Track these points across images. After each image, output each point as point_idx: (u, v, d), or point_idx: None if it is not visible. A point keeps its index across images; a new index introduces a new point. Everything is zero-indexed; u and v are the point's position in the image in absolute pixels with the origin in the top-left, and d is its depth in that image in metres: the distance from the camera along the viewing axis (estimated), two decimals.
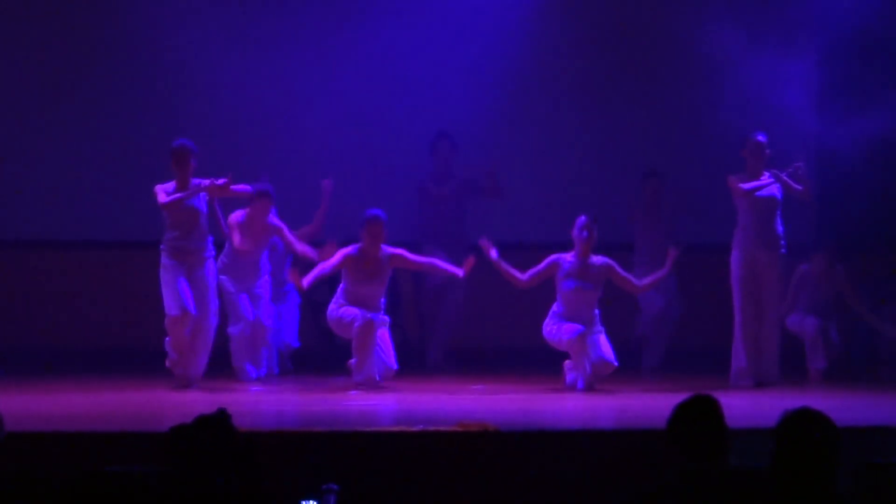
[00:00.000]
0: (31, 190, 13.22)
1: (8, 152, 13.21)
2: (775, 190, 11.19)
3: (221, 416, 5.38)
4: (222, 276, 11.23)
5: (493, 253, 10.89)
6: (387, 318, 11.19)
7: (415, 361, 12.11)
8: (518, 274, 10.94)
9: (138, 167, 12.44)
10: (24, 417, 7.95)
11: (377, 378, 10.84)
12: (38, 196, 13.22)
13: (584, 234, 10.97)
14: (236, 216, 11.30)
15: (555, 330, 10.92)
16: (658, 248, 12.33)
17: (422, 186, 12.75)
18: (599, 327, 10.99)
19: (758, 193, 11.13)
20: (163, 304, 10.66)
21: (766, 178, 11.14)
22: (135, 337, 12.62)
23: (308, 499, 5.77)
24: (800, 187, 11.20)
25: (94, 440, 7.69)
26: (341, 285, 11.10)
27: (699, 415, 5.27)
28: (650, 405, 9.87)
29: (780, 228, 11.24)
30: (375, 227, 10.98)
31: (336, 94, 13.34)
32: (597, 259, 11.02)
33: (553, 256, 11.02)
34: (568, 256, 11.01)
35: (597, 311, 11.03)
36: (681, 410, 5.29)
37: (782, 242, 11.24)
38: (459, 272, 11.04)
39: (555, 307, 11.01)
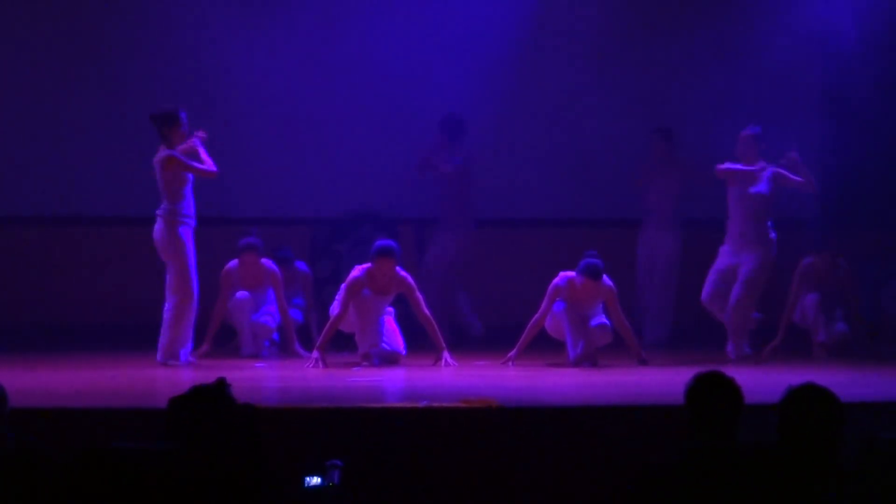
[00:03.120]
0: (32, 166, 13.21)
1: (5, 128, 13.20)
2: (764, 188, 11.13)
3: (218, 386, 5.39)
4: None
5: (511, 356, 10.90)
6: (391, 309, 11.18)
7: (419, 336, 12.10)
8: (533, 329, 10.95)
9: (137, 143, 12.42)
10: (26, 393, 7.96)
11: (382, 347, 10.85)
12: (39, 172, 13.21)
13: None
14: (230, 265, 11.44)
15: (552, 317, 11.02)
16: (670, 211, 12.38)
17: (425, 159, 12.60)
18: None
19: (751, 190, 11.08)
20: (161, 280, 10.67)
21: (760, 166, 11.09)
22: (137, 312, 12.63)
23: (312, 475, 5.78)
24: (799, 179, 11.15)
25: (97, 416, 7.69)
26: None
27: (720, 392, 5.26)
28: (652, 381, 9.88)
29: (767, 225, 11.20)
30: (387, 263, 10.85)
31: (344, 71, 13.33)
32: (601, 284, 10.98)
33: (555, 283, 10.94)
34: (569, 285, 10.94)
35: (599, 307, 11.09)
36: (701, 386, 5.27)
37: (772, 237, 11.21)
38: (443, 350, 10.89)
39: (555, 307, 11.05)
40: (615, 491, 6.87)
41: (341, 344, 11.34)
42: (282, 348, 11.73)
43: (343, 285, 10.96)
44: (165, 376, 10.07)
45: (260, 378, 10.23)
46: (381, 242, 10.97)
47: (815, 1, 13.32)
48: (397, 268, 10.89)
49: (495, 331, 12.47)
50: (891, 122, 12.55)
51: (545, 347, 11.26)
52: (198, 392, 5.31)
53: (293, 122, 13.26)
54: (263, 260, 11.55)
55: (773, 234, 11.24)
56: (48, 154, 13.21)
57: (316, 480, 5.78)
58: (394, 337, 11.05)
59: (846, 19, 12.91)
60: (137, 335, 11.94)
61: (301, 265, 12.26)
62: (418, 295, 10.96)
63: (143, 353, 11.09)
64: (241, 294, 11.45)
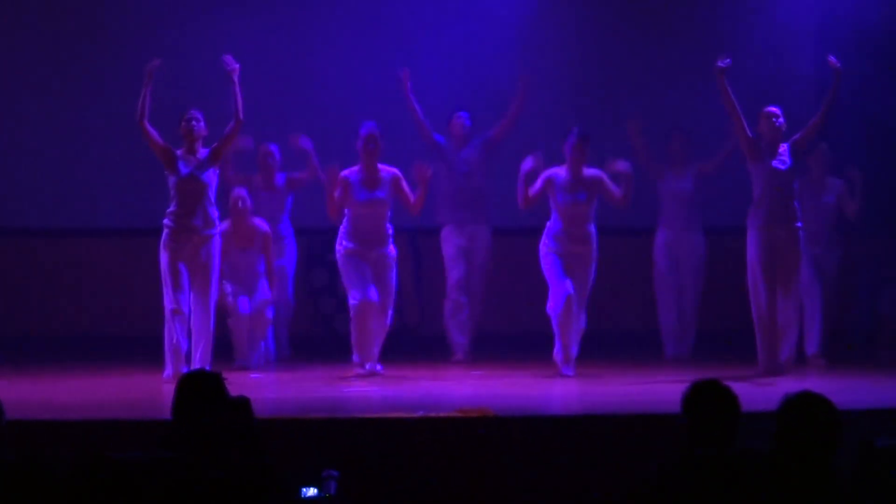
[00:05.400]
0: (29, 177, 13.19)
1: (7, 140, 13.19)
2: (790, 161, 10.82)
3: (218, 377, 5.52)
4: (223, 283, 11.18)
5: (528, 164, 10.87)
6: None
7: (415, 347, 12.10)
8: (522, 194, 10.89)
9: (138, 155, 12.41)
10: (23, 405, 7.95)
11: (377, 368, 10.79)
12: (37, 183, 13.18)
13: (577, 153, 10.87)
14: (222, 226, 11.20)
15: (549, 268, 10.85)
16: (687, 202, 12.12)
17: (439, 147, 12.21)
18: (594, 256, 10.92)
19: (774, 164, 10.74)
20: (161, 290, 10.59)
21: (783, 149, 10.87)
22: (134, 324, 12.63)
23: (308, 485, 5.77)
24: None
25: (94, 428, 7.69)
26: (343, 226, 10.91)
27: (717, 400, 5.26)
28: (648, 391, 9.87)
29: (797, 202, 10.82)
30: (371, 143, 10.80)
31: (341, 80, 13.30)
32: (588, 172, 10.92)
33: (546, 173, 10.90)
34: (560, 171, 10.92)
35: (593, 227, 10.94)
36: (698, 394, 5.27)
37: (798, 215, 10.82)
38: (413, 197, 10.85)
39: (550, 224, 10.92)
40: (612, 500, 6.87)
41: (340, 346, 11.32)
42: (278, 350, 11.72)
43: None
44: (160, 387, 10.05)
45: (256, 388, 10.20)
46: (364, 126, 10.95)
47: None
48: (381, 166, 10.85)
49: (496, 339, 12.42)
50: (889, 125, 12.52)
51: (542, 356, 11.22)
52: (203, 373, 5.41)
53: (288, 132, 13.24)
54: (255, 219, 11.50)
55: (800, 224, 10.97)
56: (50, 166, 13.19)
57: (312, 491, 5.78)
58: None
59: (841, 16, 12.90)
60: (135, 346, 11.95)
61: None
62: (405, 184, 10.89)
63: (141, 365, 11.09)
64: (241, 306, 11.33)
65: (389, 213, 10.92)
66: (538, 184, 10.93)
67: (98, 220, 13.27)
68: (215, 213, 10.58)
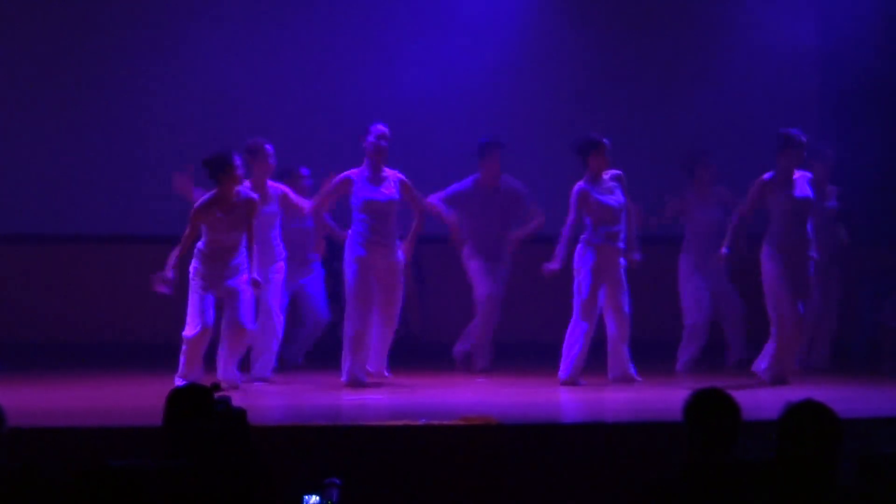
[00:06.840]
0: (32, 183, 13.19)
1: (12, 145, 13.20)
2: (809, 191, 10.75)
3: (211, 388, 5.52)
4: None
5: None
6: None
7: (418, 355, 12.09)
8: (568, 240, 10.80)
9: (142, 161, 12.43)
10: (25, 412, 7.95)
11: (364, 379, 10.72)
12: (39, 189, 13.19)
13: (601, 162, 10.81)
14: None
15: (581, 289, 10.78)
16: (714, 231, 11.83)
17: (469, 192, 11.95)
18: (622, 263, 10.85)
19: (788, 192, 10.66)
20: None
21: (798, 175, 10.75)
22: (136, 331, 12.62)
23: (311, 493, 5.77)
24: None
25: (95, 435, 7.69)
26: (351, 233, 10.77)
27: (718, 408, 5.26)
28: (653, 399, 9.87)
29: (811, 232, 10.79)
30: (382, 141, 10.69)
31: (345, 92, 13.30)
32: (609, 172, 10.87)
33: (576, 193, 10.79)
34: (582, 182, 10.82)
35: (623, 215, 10.85)
36: (700, 403, 5.27)
37: (812, 245, 10.81)
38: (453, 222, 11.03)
39: (585, 237, 10.80)
40: None
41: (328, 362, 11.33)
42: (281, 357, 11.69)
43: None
44: (162, 395, 10.02)
45: (259, 396, 10.21)
46: (375, 126, 10.81)
47: (809, 10, 13.38)
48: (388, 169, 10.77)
49: (501, 347, 12.40)
50: (890, 134, 12.54)
51: (544, 364, 11.21)
52: (194, 387, 5.40)
53: (293, 142, 13.26)
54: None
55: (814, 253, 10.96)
56: (49, 171, 13.20)
57: (314, 499, 5.77)
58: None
59: (841, 30, 12.93)
60: (137, 353, 11.95)
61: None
62: (415, 191, 10.85)
63: (142, 372, 11.09)
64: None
65: (396, 215, 10.79)
66: (574, 212, 10.80)
67: (99, 225, 13.26)
68: (246, 255, 10.22)
